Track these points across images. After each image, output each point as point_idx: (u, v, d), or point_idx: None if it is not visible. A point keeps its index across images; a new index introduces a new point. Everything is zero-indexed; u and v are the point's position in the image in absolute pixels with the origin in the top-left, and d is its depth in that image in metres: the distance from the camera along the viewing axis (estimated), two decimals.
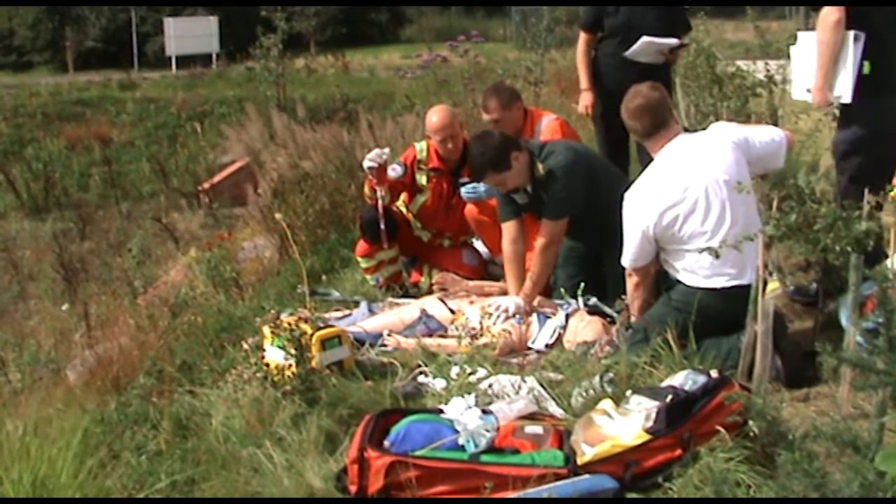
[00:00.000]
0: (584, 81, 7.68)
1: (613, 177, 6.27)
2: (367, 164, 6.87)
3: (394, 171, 7.06)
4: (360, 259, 7.31)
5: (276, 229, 8.75)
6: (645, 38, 7.32)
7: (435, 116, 7.08)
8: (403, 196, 7.31)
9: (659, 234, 5.23)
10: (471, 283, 6.66)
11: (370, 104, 16.97)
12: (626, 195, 5.37)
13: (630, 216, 5.33)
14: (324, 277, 7.06)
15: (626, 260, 5.37)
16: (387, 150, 7.08)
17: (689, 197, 5.15)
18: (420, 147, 7.24)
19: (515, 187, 6.19)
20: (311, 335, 5.21)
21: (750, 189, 5.02)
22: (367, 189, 7.13)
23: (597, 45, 7.66)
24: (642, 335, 5.14)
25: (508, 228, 6.34)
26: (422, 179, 7.19)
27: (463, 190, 6.99)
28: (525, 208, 6.32)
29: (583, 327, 5.68)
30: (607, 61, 7.54)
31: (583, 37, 7.69)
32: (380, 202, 6.96)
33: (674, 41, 7.42)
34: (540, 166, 6.09)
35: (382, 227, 6.97)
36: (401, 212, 7.31)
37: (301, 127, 12.05)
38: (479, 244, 7.51)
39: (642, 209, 5.26)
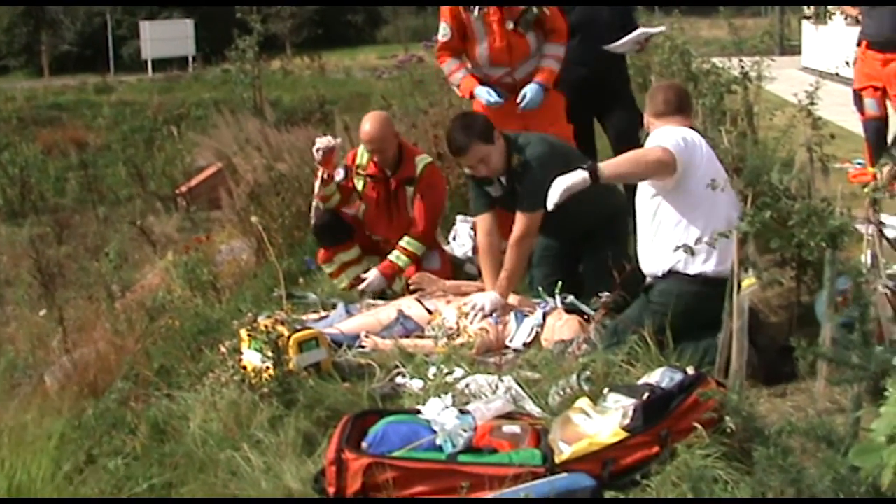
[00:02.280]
0: None
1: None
2: (317, 147, 6.89)
3: (337, 174, 7.03)
4: (322, 266, 7.32)
5: (252, 232, 8.73)
6: (641, 29, 7.38)
7: (367, 125, 6.95)
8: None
9: (696, 162, 5.23)
10: (448, 282, 6.63)
11: (346, 105, 16.97)
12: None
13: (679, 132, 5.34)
14: (301, 280, 7.05)
15: (672, 144, 5.23)
16: (338, 139, 7.12)
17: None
18: (360, 151, 7.15)
19: (492, 174, 6.16)
20: (289, 337, 5.20)
21: (725, 187, 5.03)
22: (316, 186, 7.10)
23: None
24: (618, 335, 5.16)
25: (482, 221, 6.33)
26: (359, 184, 7.12)
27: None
28: (498, 201, 6.30)
29: (560, 326, 5.69)
30: (572, 57, 7.37)
31: None
32: (337, 184, 6.99)
33: (662, 28, 7.50)
34: (515, 158, 6.08)
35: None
36: (354, 217, 7.27)
37: (275, 129, 12.02)
38: (455, 243, 7.50)
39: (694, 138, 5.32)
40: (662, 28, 7.47)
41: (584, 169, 5.16)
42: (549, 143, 6.20)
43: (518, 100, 7.02)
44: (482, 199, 6.35)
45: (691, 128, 5.49)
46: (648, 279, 5.41)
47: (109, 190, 18.37)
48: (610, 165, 5.27)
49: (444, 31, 7.14)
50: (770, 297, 5.98)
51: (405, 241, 6.94)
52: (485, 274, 6.29)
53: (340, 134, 10.04)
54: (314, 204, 7.18)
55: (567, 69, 7.17)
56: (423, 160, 7.09)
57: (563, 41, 7.17)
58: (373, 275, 6.86)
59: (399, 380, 5.28)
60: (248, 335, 5.23)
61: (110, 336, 7.16)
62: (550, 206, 5.20)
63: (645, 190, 5.41)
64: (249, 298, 7.34)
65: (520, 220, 6.07)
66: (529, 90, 7.00)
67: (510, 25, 7.01)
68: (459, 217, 7.60)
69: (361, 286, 6.82)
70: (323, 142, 6.90)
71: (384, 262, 6.93)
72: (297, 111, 18.14)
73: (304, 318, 6.18)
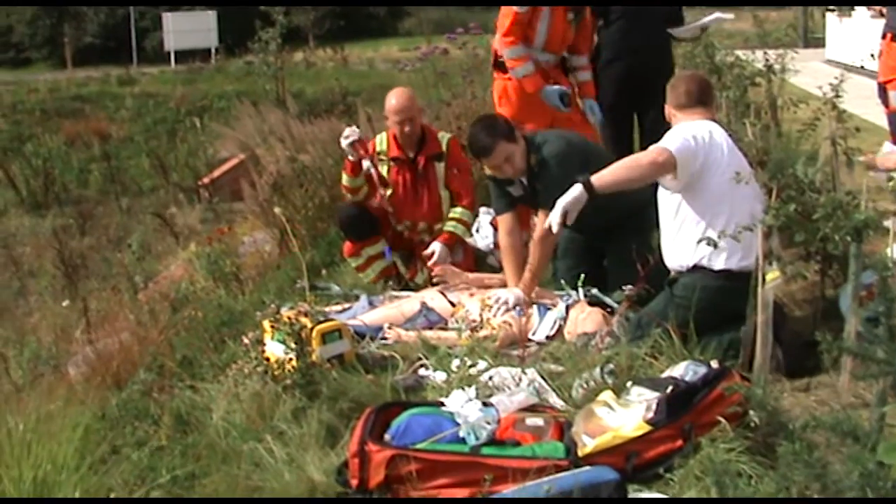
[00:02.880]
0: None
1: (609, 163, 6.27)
2: (345, 141, 6.90)
3: (364, 162, 7.06)
4: (349, 259, 7.34)
5: (275, 223, 8.74)
6: (716, 14, 7.43)
7: (394, 98, 7.09)
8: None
9: (716, 158, 5.21)
10: (471, 275, 6.64)
11: (369, 97, 16.94)
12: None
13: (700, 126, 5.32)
14: (324, 271, 7.06)
15: (672, 144, 5.22)
16: (355, 128, 7.14)
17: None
18: (379, 139, 7.25)
19: (515, 174, 6.19)
20: (312, 329, 5.21)
21: (749, 180, 5.01)
22: (345, 178, 7.13)
23: (602, 32, 7.60)
24: (642, 328, 5.15)
25: (504, 221, 6.37)
26: (383, 170, 7.15)
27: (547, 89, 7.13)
28: (520, 200, 6.33)
29: (583, 318, 5.68)
30: (620, 45, 7.44)
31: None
32: (371, 170, 7.01)
33: (731, 16, 7.57)
34: (534, 158, 6.10)
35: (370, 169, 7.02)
36: (380, 207, 7.26)
37: (298, 121, 12.03)
38: (478, 235, 7.51)
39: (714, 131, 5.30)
40: (731, 16, 7.50)
41: (580, 182, 5.18)
42: (567, 140, 6.20)
43: (588, 113, 7.39)
44: (503, 200, 6.38)
45: (714, 120, 5.47)
46: (673, 273, 5.40)
47: (132, 181, 18.40)
48: (604, 176, 5.24)
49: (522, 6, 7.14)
50: (794, 290, 5.95)
51: (458, 212, 7.10)
52: (507, 272, 6.31)
53: (363, 125, 10.06)
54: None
55: (609, 62, 7.20)
56: (444, 136, 7.27)
57: (587, 53, 7.51)
58: (437, 247, 6.90)
59: (422, 372, 5.29)
60: (272, 326, 5.24)
61: (133, 327, 7.16)
62: (555, 228, 5.22)
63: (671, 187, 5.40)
64: (272, 290, 7.34)
65: (542, 219, 6.06)
66: (594, 106, 7.41)
67: (570, 16, 7.26)
68: (482, 209, 7.60)
69: (432, 260, 6.84)
70: (350, 132, 6.94)
71: (443, 234, 7.01)
72: (320, 103, 18.13)
73: (326, 309, 6.19)
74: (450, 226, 7.04)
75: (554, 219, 5.20)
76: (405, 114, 7.00)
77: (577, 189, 5.17)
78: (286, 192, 9.04)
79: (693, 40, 8.08)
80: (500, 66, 7.37)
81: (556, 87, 7.19)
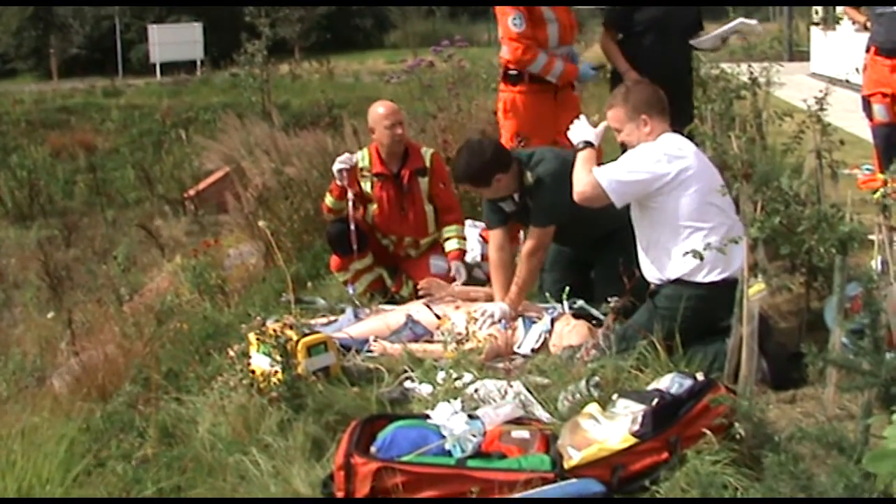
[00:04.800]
0: (623, 65, 7.37)
1: None
2: (337, 166, 6.95)
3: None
4: (336, 274, 7.33)
5: (260, 236, 8.74)
6: (740, 19, 7.41)
7: (381, 107, 7.11)
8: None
9: (680, 180, 5.20)
10: (457, 288, 6.65)
11: (355, 109, 16.96)
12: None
13: (658, 150, 5.32)
14: (309, 284, 7.07)
15: (606, 182, 5.28)
16: (357, 154, 7.19)
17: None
18: (361, 155, 7.23)
19: (505, 194, 6.20)
20: (297, 341, 5.21)
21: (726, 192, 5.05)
22: (329, 199, 7.14)
23: (624, 44, 7.50)
24: (627, 340, 5.16)
25: (495, 236, 6.35)
26: (367, 187, 7.14)
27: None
28: (512, 216, 6.33)
29: (568, 331, 5.68)
30: (646, 56, 7.29)
31: (606, 33, 7.59)
32: (350, 207, 6.98)
33: (755, 21, 7.63)
34: (528, 175, 6.10)
35: (353, 228, 6.99)
36: (366, 222, 7.27)
37: (283, 133, 12.04)
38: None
39: (680, 149, 5.31)
40: (755, 22, 7.48)
41: None
42: (563, 159, 6.14)
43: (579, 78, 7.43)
44: (496, 216, 6.37)
45: (675, 131, 5.48)
46: (652, 285, 5.41)
47: (118, 193, 18.40)
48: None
49: (516, 22, 7.13)
50: (780, 302, 5.98)
51: (454, 229, 7.16)
52: (495, 286, 6.30)
53: (349, 138, 10.07)
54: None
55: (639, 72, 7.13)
56: (427, 151, 7.30)
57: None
58: (457, 266, 6.97)
59: (408, 384, 5.28)
60: (257, 339, 5.23)
61: (118, 339, 7.15)
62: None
63: (640, 203, 5.42)
64: (258, 302, 7.35)
65: (532, 235, 6.09)
66: (587, 65, 7.52)
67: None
68: (467, 222, 7.61)
69: (458, 281, 6.87)
70: (345, 159, 7.01)
71: (452, 253, 7.07)
72: (306, 115, 18.19)
73: (312, 322, 6.18)
74: (454, 243, 7.09)
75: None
76: (395, 116, 7.04)
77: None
78: (271, 205, 9.06)
79: (713, 51, 8.02)
80: (509, 77, 7.37)
81: (586, 64, 7.41)
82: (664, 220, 5.25)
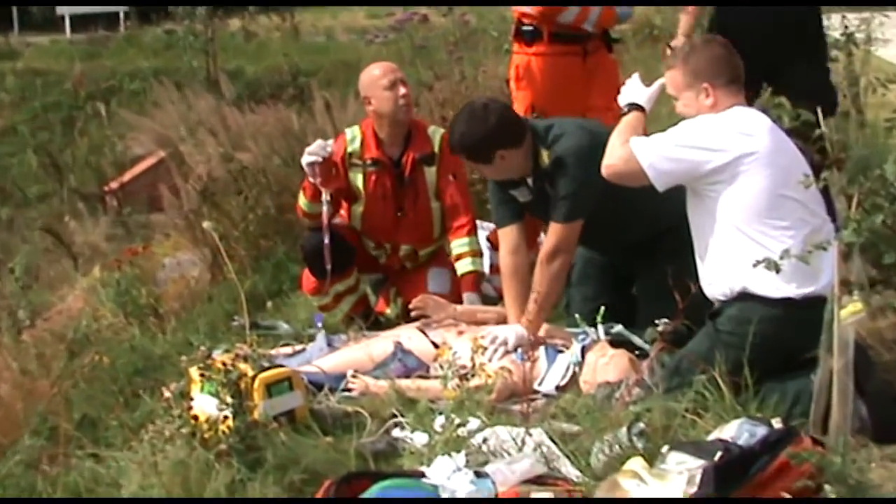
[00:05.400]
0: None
1: None
2: (306, 159, 6.82)
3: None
4: (311, 297, 7.34)
5: (205, 241, 8.76)
6: None
7: (377, 68, 7.07)
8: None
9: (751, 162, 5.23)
10: (459, 307, 6.65)
11: (327, 78, 16.98)
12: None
13: (720, 123, 5.37)
14: (269, 303, 7.08)
15: (646, 155, 5.36)
16: (331, 141, 7.02)
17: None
18: (351, 135, 7.15)
19: (516, 176, 6.23)
20: (253, 378, 5.23)
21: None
22: (302, 200, 7.09)
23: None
24: (681, 375, 5.18)
25: (506, 236, 6.37)
26: (357, 179, 7.09)
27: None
28: (528, 208, 6.35)
29: (604, 364, 5.70)
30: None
31: None
32: (325, 214, 6.89)
33: None
34: (545, 154, 6.12)
35: (326, 241, 6.89)
36: (352, 228, 7.25)
37: (235, 109, 12.06)
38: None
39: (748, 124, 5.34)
40: None
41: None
42: (589, 132, 6.17)
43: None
44: (506, 207, 6.39)
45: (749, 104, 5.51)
46: (714, 303, 5.43)
47: (15, 186, 18.36)
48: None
49: None
50: (882, 328, 5.98)
51: (467, 243, 7.04)
52: (508, 303, 6.32)
53: (320, 116, 10.10)
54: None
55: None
56: (437, 131, 7.20)
57: None
58: (469, 299, 6.87)
59: (397, 433, 5.31)
60: (201, 375, 5.24)
61: (16, 377, 7.15)
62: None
63: (695, 191, 5.44)
64: (202, 328, 7.36)
65: (553, 232, 6.09)
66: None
67: None
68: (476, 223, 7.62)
69: (461, 308, 6.75)
70: (315, 149, 6.84)
71: (465, 278, 6.99)
72: (264, 85, 18.18)
73: (273, 352, 6.23)
74: (467, 264, 7.01)
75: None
76: (395, 73, 7.00)
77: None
78: (220, 201, 9.08)
79: None
80: (522, 35, 7.43)
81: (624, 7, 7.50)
82: (725, 215, 5.28)
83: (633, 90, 5.78)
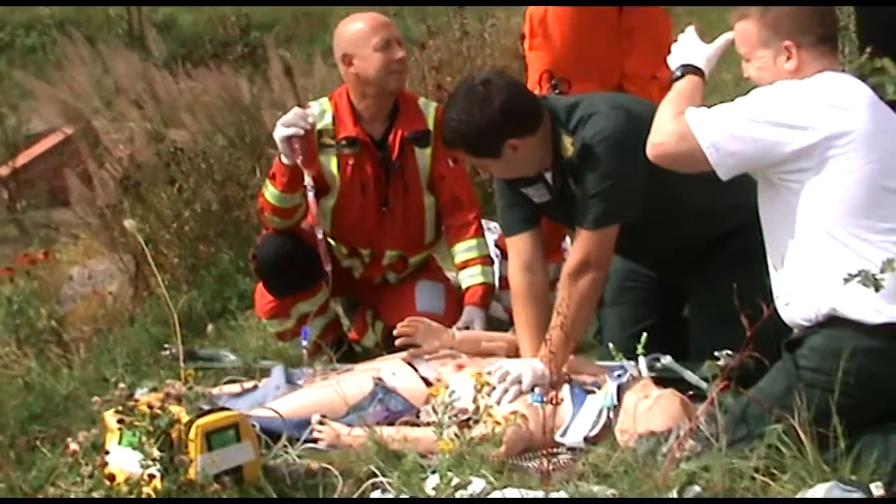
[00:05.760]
0: None
1: None
2: (282, 132, 6.75)
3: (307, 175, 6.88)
4: (267, 322, 7.37)
5: (126, 246, 8.77)
6: None
7: (360, 21, 6.99)
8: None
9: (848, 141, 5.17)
10: (459, 334, 6.64)
11: (287, 33, 17.03)
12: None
13: (806, 93, 5.25)
14: (210, 327, 7.08)
15: (706, 133, 5.23)
16: (312, 110, 7.01)
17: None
18: (319, 108, 7.11)
19: (530, 172, 6.20)
20: (189, 425, 5.23)
21: None
22: (270, 191, 7.03)
23: None
24: (749, 423, 5.18)
25: (517, 246, 6.34)
26: (329, 164, 7.07)
27: None
28: (546, 211, 6.35)
29: (648, 408, 5.69)
30: None
31: None
32: (312, 202, 6.88)
33: None
34: (568, 141, 6.09)
35: (321, 239, 6.93)
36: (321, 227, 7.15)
37: (167, 72, 12.07)
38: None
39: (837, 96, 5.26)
40: None
41: None
42: (626, 112, 6.10)
43: None
44: (517, 211, 6.37)
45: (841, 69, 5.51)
46: (794, 329, 5.41)
47: None
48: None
49: None
50: None
51: (473, 246, 7.07)
52: (521, 330, 6.32)
53: (277, 82, 10.11)
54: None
55: None
56: (428, 103, 7.25)
57: None
58: (469, 315, 6.83)
59: (376, 495, 5.32)
60: (119, 422, 5.25)
61: None
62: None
63: (770, 181, 5.41)
64: (121, 359, 7.36)
65: (580, 241, 6.05)
66: None
67: None
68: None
69: (461, 334, 6.66)
70: (295, 119, 6.78)
71: (471, 291, 6.97)
72: (204, 42, 18.21)
73: (215, 391, 6.23)
74: (475, 274, 7.01)
75: None
76: (388, 30, 6.95)
77: None
78: (146, 193, 9.08)
79: None
80: None
81: None
82: (809, 213, 5.17)
83: (688, 48, 5.70)
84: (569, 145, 6.04)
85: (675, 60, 5.69)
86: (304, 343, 6.85)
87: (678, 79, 5.56)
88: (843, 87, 5.25)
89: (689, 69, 5.56)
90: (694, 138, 5.16)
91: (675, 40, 6.01)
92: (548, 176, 6.18)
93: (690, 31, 5.80)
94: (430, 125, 7.07)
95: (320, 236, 6.90)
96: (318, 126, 6.98)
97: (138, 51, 14.58)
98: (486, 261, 7.06)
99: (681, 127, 5.23)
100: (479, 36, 10.53)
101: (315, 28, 15.98)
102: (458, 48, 10.26)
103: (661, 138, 5.32)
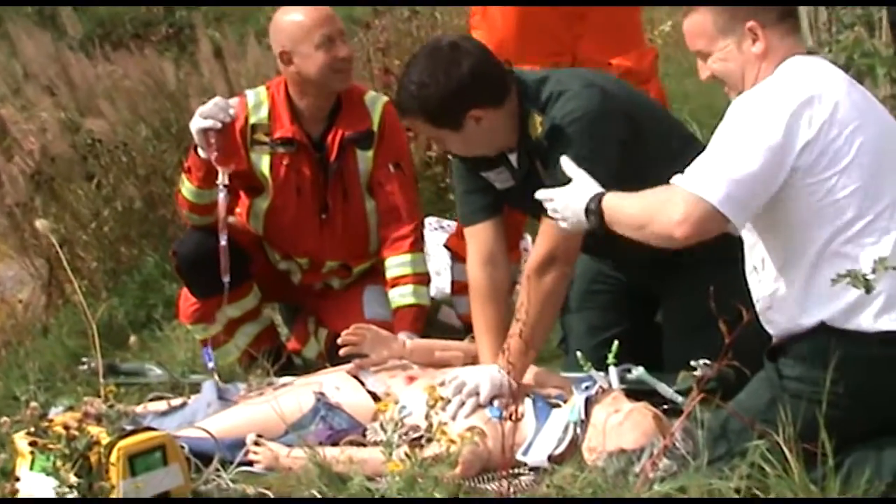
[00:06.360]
0: None
1: (678, 137, 6.30)
2: (199, 124, 6.77)
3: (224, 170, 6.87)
4: (191, 327, 7.36)
5: (38, 249, 8.75)
6: None
7: (300, 14, 6.93)
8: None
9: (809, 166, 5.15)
10: (410, 342, 6.64)
11: (217, 12, 16.98)
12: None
13: (778, 98, 5.18)
14: (133, 338, 7.07)
15: (715, 191, 5.04)
16: (235, 100, 7.00)
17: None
18: (255, 100, 7.11)
19: (492, 152, 6.19)
20: (110, 447, 5.22)
21: None
22: (186, 186, 7.06)
23: None
24: (729, 439, 5.19)
25: (476, 237, 6.36)
26: (262, 164, 7.07)
27: None
28: (509, 198, 6.34)
29: (618, 423, 5.69)
30: None
31: None
32: (221, 203, 6.85)
33: None
34: (537, 119, 6.07)
35: (224, 246, 6.85)
36: (248, 229, 7.24)
37: (83, 55, 12.03)
38: None
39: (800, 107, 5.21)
40: None
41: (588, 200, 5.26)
42: (601, 89, 6.08)
43: None
44: (477, 197, 6.37)
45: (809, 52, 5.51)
46: (776, 338, 5.41)
47: None
48: (613, 205, 5.32)
49: None
50: None
51: (406, 262, 7.01)
52: (479, 336, 6.33)
53: (207, 66, 10.09)
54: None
55: None
56: (376, 99, 7.21)
57: None
58: (405, 339, 6.68)
59: None
60: (31, 444, 5.24)
61: None
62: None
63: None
64: (33, 375, 7.35)
65: (545, 234, 6.04)
66: None
67: None
68: (430, 220, 7.62)
69: (413, 343, 6.65)
70: (213, 111, 6.78)
71: (400, 313, 6.94)
72: (125, 21, 18.15)
73: (139, 410, 6.22)
74: (406, 293, 6.98)
75: None
76: (332, 24, 6.91)
77: (577, 205, 5.24)
78: (60, 190, 9.06)
79: None
80: None
81: None
82: (791, 208, 5.17)
83: (579, 189, 5.50)
84: (538, 124, 6.03)
85: (572, 209, 5.49)
86: (210, 365, 6.86)
87: (599, 213, 5.37)
88: (813, 71, 5.23)
89: (596, 198, 5.39)
90: (703, 202, 5.00)
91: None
92: (512, 158, 6.17)
93: (568, 164, 5.63)
94: (376, 125, 7.05)
95: (223, 243, 6.83)
96: (252, 120, 6.99)
97: (50, 30, 14.48)
98: (421, 279, 7.02)
99: (682, 198, 5.06)
100: (430, 15, 10.54)
101: (249, 7, 15.88)
102: (406, 28, 10.27)
103: (670, 219, 5.06)
